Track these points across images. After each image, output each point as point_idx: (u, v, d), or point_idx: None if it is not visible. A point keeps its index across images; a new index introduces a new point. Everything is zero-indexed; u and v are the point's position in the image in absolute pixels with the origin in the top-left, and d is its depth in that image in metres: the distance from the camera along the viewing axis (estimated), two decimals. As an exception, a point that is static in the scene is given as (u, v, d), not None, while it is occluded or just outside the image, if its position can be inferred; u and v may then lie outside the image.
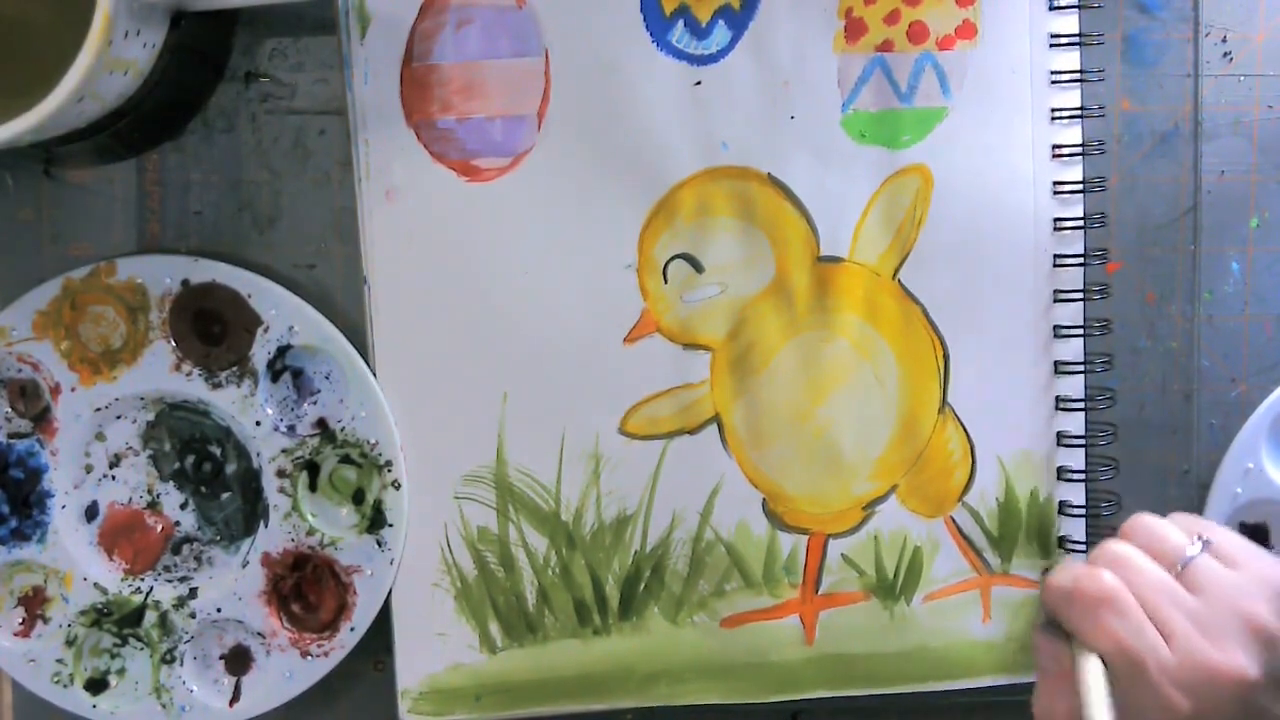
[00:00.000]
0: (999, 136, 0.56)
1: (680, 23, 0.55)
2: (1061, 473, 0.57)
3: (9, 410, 0.56)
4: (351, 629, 0.57)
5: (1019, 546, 0.58)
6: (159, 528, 0.58)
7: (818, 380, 0.56)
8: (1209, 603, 0.44)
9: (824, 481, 0.57)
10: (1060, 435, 0.57)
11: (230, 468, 0.57)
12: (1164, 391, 0.58)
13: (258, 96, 0.56)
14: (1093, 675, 0.44)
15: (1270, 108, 0.57)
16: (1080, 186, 0.56)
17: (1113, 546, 0.46)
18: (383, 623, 0.57)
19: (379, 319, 0.56)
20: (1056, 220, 0.56)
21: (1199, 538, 0.47)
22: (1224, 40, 0.57)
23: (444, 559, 0.57)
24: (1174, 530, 0.47)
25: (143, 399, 0.56)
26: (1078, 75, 0.56)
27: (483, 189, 0.56)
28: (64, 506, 0.57)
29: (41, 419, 0.56)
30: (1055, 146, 0.56)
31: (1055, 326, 0.56)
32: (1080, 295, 0.56)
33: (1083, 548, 0.57)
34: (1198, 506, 0.58)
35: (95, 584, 0.57)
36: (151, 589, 0.57)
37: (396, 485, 0.56)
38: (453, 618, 0.57)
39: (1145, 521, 0.48)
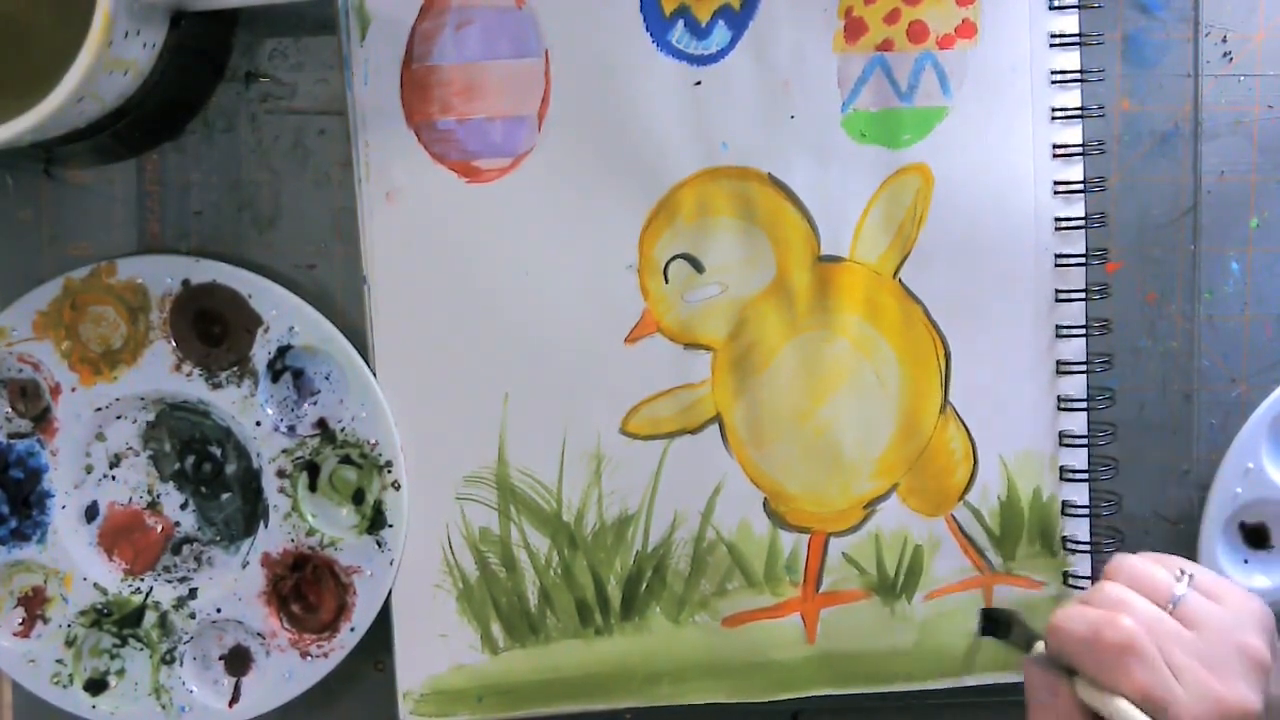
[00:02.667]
0: (999, 136, 0.56)
1: (680, 23, 0.55)
2: (1063, 473, 0.57)
3: (9, 410, 0.56)
4: (351, 629, 0.57)
5: (1021, 546, 0.58)
6: (159, 528, 0.57)
7: (819, 380, 0.57)
8: (1206, 639, 0.45)
9: (825, 481, 0.57)
10: (1062, 435, 0.57)
11: (230, 468, 0.57)
12: (1164, 391, 0.58)
13: (258, 96, 0.56)
14: (1129, 711, 0.44)
15: (1270, 108, 0.57)
16: (1081, 186, 0.56)
17: (1110, 589, 0.47)
18: (383, 623, 0.57)
19: (379, 319, 0.56)
20: (1057, 220, 0.56)
21: (1183, 573, 0.47)
22: (1224, 40, 0.57)
23: (446, 560, 0.57)
24: (1159, 569, 0.48)
25: (143, 399, 0.56)
26: (1078, 75, 0.56)
27: (483, 190, 0.56)
28: (64, 507, 0.57)
29: (42, 419, 0.56)
30: (1056, 146, 0.56)
31: (1056, 326, 0.56)
32: (1081, 295, 0.56)
33: (1086, 548, 0.57)
34: (1198, 506, 0.58)
35: (95, 584, 0.57)
36: (151, 589, 0.57)
37: (396, 486, 0.56)
38: (455, 618, 0.57)
39: (1130, 562, 0.48)
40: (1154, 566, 0.48)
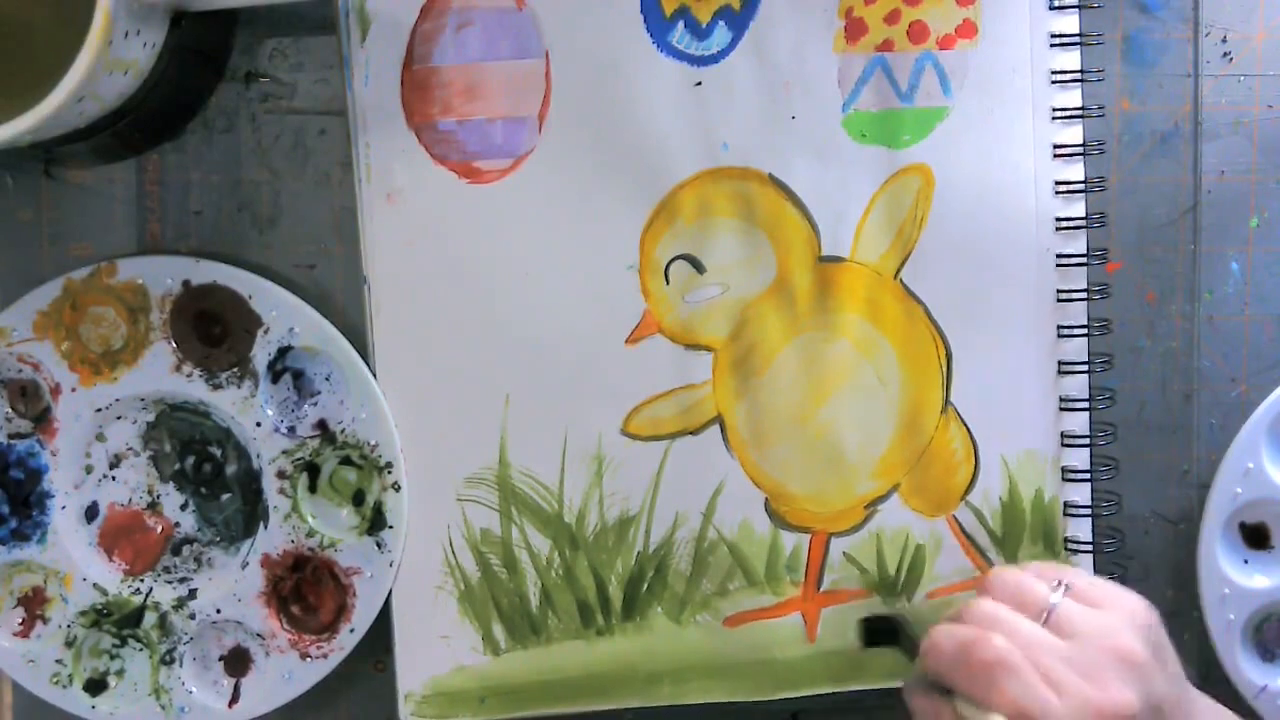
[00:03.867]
0: (1000, 136, 0.56)
1: (680, 23, 0.55)
2: (1065, 473, 0.57)
3: (9, 410, 0.56)
4: (351, 630, 0.57)
5: (1024, 547, 0.58)
6: (159, 528, 0.57)
7: (820, 380, 0.57)
8: (1082, 646, 0.45)
9: (826, 481, 0.57)
10: (1063, 435, 0.57)
11: (230, 469, 0.57)
12: (1164, 391, 0.58)
13: (258, 96, 0.56)
14: None
15: (1270, 108, 0.57)
16: (1081, 186, 0.56)
17: (981, 606, 0.47)
18: (383, 624, 0.57)
19: (379, 320, 0.56)
20: (1058, 220, 0.56)
21: (1059, 583, 0.48)
22: (1224, 40, 0.57)
23: (447, 561, 0.57)
24: (1034, 580, 0.48)
25: (143, 400, 0.56)
26: (1078, 75, 0.56)
27: (484, 191, 0.56)
28: (64, 507, 0.56)
29: (42, 419, 0.56)
30: (1056, 146, 0.56)
31: (1058, 326, 0.56)
32: (1083, 295, 0.56)
33: (1088, 548, 0.57)
34: (1198, 506, 0.58)
35: (95, 584, 0.57)
36: (151, 590, 0.57)
37: (396, 487, 0.56)
38: (456, 620, 0.57)
39: (1005, 575, 0.49)
40: (1028, 578, 0.48)
